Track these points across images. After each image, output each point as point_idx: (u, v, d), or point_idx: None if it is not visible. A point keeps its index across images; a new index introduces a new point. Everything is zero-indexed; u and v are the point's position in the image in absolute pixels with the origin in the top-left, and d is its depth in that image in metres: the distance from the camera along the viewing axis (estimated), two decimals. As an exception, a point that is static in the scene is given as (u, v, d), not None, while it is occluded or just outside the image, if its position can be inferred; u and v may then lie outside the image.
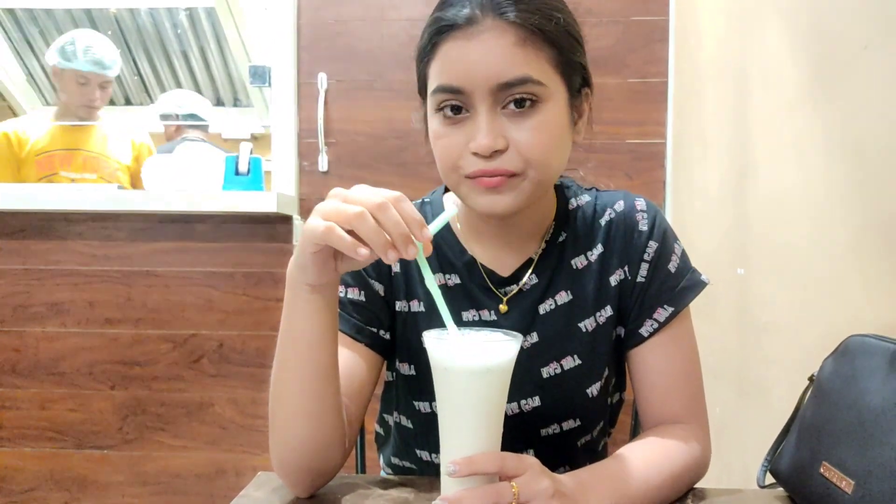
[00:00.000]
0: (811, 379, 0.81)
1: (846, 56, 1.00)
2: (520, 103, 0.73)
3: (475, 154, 0.73)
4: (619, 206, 0.89)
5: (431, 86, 0.76)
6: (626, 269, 0.87)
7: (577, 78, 0.79)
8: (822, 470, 0.71)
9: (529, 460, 0.64)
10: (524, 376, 0.85)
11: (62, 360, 2.04)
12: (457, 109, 0.75)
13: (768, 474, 0.83)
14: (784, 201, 1.21)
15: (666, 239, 0.87)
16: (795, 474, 0.76)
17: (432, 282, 0.65)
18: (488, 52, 0.72)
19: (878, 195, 0.92)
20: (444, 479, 0.65)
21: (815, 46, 1.11)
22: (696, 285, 0.87)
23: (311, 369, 0.72)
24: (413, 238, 0.61)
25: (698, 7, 1.78)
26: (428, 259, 0.88)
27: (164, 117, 2.98)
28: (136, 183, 2.63)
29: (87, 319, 2.03)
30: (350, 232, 0.61)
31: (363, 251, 0.60)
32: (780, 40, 1.25)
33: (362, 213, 0.60)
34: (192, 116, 2.97)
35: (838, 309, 1.02)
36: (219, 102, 4.04)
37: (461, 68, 0.73)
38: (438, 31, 0.75)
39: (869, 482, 0.65)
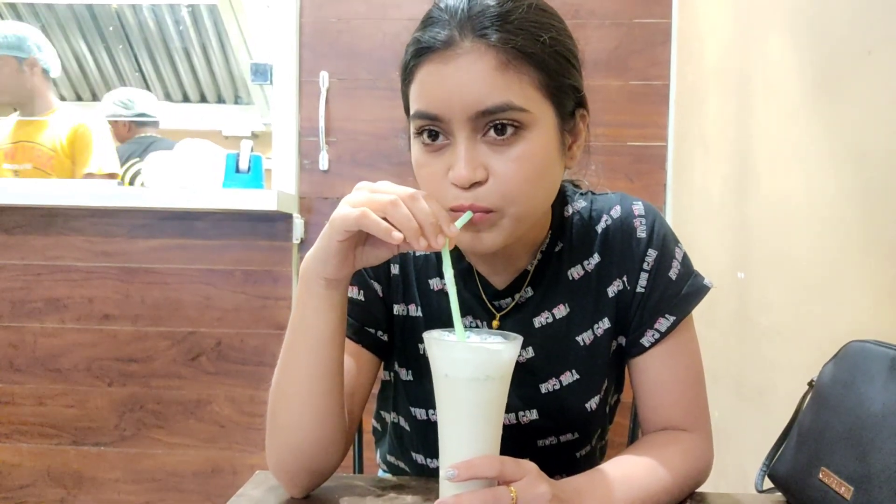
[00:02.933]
0: (811, 384, 0.81)
1: (849, 61, 1.00)
2: (501, 130, 0.69)
3: (454, 185, 0.70)
4: (616, 211, 0.86)
5: (411, 109, 0.73)
6: (624, 279, 0.84)
7: (568, 101, 0.74)
8: (820, 475, 0.71)
9: (528, 465, 0.64)
10: (522, 390, 0.84)
11: (60, 357, 2.03)
12: (435, 135, 0.71)
13: (767, 479, 0.83)
14: (785, 205, 1.21)
15: (666, 245, 0.84)
16: (794, 479, 0.76)
17: (450, 278, 0.65)
18: (466, 78, 0.68)
19: (880, 200, 0.92)
20: (442, 482, 0.65)
21: (818, 50, 1.11)
22: (699, 291, 0.85)
23: (320, 366, 0.72)
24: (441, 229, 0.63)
25: (701, 10, 1.78)
26: (427, 263, 0.89)
27: (113, 117, 3.00)
28: (74, 165, 2.62)
29: (85, 316, 2.03)
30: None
31: (397, 234, 0.62)
32: (783, 44, 1.24)
33: (395, 200, 0.63)
34: (143, 114, 2.99)
35: (838, 314, 1.01)
36: (220, 100, 4.05)
37: (438, 94, 0.69)
38: (417, 53, 0.71)
39: (868, 488, 0.65)
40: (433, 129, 0.71)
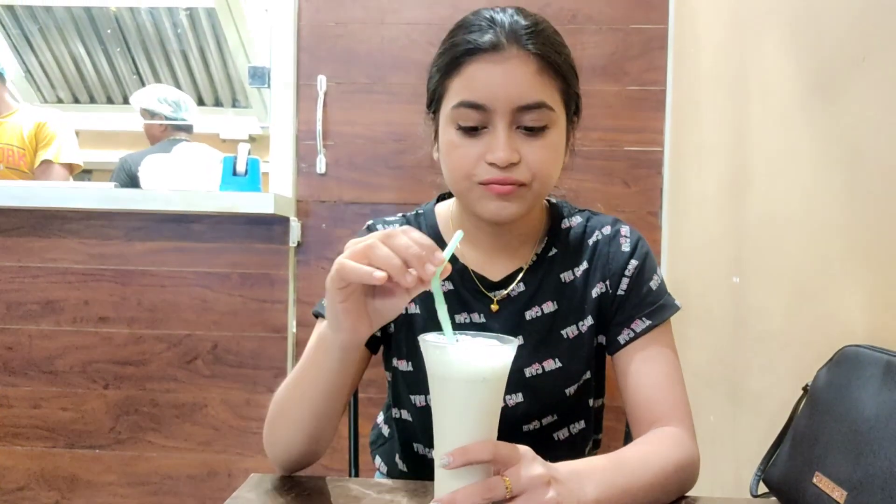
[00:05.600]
0: (805, 389, 0.82)
1: (844, 67, 1.01)
2: (533, 124, 0.82)
3: (491, 165, 0.82)
4: (607, 230, 0.97)
5: (452, 100, 0.84)
6: (607, 283, 0.95)
7: (573, 107, 0.89)
8: (814, 480, 0.71)
9: (522, 449, 0.64)
10: (510, 375, 0.87)
11: (56, 359, 2.03)
12: (473, 128, 0.83)
13: (761, 483, 0.83)
14: (780, 211, 1.22)
15: (648, 260, 0.95)
16: (788, 484, 0.77)
17: (442, 306, 0.65)
18: (513, 77, 0.81)
19: (874, 206, 0.92)
20: (438, 476, 0.65)
21: (813, 57, 1.12)
22: (671, 307, 0.94)
23: (326, 401, 0.78)
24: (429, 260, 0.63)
25: (698, 16, 1.79)
26: None
27: (151, 114, 3.02)
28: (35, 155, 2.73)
29: (81, 318, 2.02)
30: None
31: (379, 274, 0.61)
32: (779, 50, 1.25)
33: (373, 243, 0.63)
34: (179, 117, 3.03)
35: (833, 319, 1.02)
36: (217, 103, 4.05)
37: (487, 88, 0.81)
38: (466, 52, 0.82)
39: (861, 493, 0.65)
40: (472, 125, 0.83)
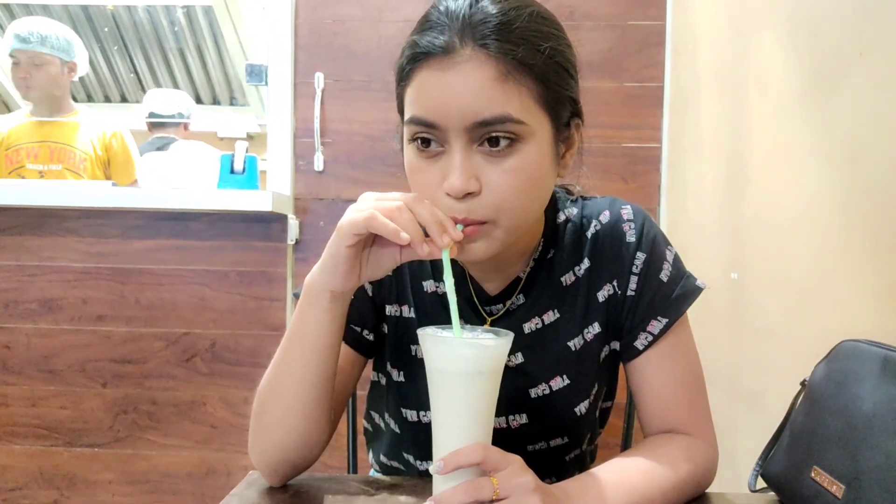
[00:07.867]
0: (803, 384, 0.82)
1: (842, 63, 1.01)
2: (496, 142, 0.67)
3: (448, 194, 0.69)
4: (605, 216, 0.85)
5: (406, 114, 0.71)
6: (614, 283, 0.84)
7: (564, 112, 0.73)
8: (812, 474, 0.71)
9: (513, 457, 0.64)
10: (512, 395, 0.84)
11: (54, 357, 2.03)
12: (429, 142, 0.70)
13: (760, 478, 0.83)
14: (778, 206, 1.22)
15: (655, 247, 0.84)
16: (786, 478, 0.77)
17: (451, 286, 0.66)
18: (465, 87, 0.66)
19: (872, 201, 0.93)
20: (434, 478, 0.65)
21: (811, 53, 1.12)
22: (692, 292, 0.84)
23: (314, 375, 0.74)
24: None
25: (695, 12, 1.79)
26: (422, 265, 0.89)
27: (155, 117, 3.02)
28: (109, 172, 2.66)
29: (79, 316, 2.02)
30: None
31: (405, 235, 0.64)
32: (777, 46, 1.25)
33: (401, 205, 0.65)
34: (180, 115, 3.03)
35: (831, 314, 1.02)
36: (215, 101, 4.05)
37: (436, 102, 0.67)
38: (414, 58, 0.69)
39: (859, 487, 0.65)
40: (428, 136, 0.69)
